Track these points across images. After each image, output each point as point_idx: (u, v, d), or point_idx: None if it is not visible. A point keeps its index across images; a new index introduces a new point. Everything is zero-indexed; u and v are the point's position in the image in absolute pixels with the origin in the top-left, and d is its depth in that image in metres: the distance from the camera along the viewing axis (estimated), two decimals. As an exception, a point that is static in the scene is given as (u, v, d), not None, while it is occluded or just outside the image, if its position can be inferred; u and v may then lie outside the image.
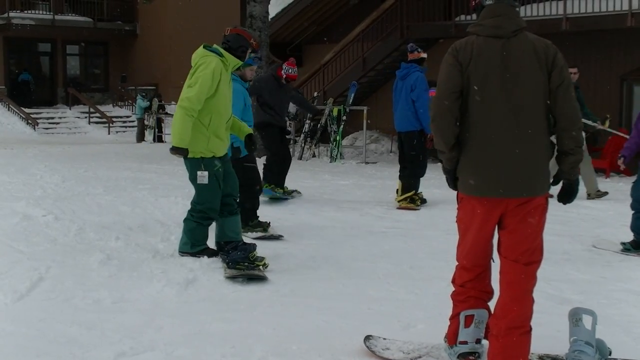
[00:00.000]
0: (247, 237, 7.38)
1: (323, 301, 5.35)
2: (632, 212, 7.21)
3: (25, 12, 31.41)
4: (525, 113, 3.80)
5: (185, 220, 6.59)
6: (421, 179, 10.16)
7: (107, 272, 6.02)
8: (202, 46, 6.50)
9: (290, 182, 11.27)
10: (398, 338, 4.53)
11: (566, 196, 3.98)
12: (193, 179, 6.44)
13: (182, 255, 6.51)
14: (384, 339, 4.46)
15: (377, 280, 6.00)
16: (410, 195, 9.89)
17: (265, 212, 9.19)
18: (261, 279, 5.96)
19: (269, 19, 18.58)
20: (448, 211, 9.39)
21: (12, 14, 30.56)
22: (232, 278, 5.91)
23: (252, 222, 7.89)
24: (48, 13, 31.90)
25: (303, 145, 18.34)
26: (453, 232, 8.03)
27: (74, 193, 10.24)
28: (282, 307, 5.20)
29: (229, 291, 5.61)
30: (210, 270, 6.11)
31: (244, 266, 6.05)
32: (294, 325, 4.78)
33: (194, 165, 6.37)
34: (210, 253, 6.52)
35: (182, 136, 6.18)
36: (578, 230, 8.13)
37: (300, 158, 18.00)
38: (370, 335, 4.46)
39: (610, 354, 4.17)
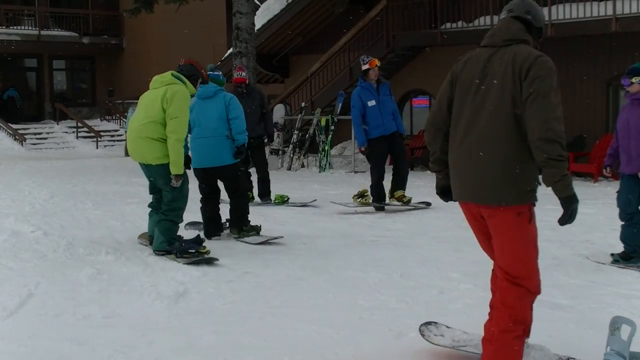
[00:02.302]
0: (245, 243, 7.95)
1: (314, 311, 5.34)
2: (621, 222, 7.07)
3: (11, 28, 31.26)
4: (488, 121, 3.76)
5: (159, 222, 7.13)
6: (409, 185, 10.62)
7: (97, 287, 6.00)
8: (170, 73, 7.23)
9: (279, 193, 11.30)
10: (391, 346, 4.53)
11: (561, 216, 3.67)
12: (167, 182, 7.06)
13: (158, 254, 7.08)
14: (447, 327, 4.54)
15: (368, 289, 5.99)
16: (363, 192, 10.41)
17: (255, 223, 9.20)
18: (212, 260, 6.83)
19: (255, 31, 18.62)
20: (437, 219, 9.44)
21: (-3, 30, 30.50)
22: (187, 264, 6.73)
23: (246, 227, 8.22)
24: (33, 28, 31.77)
25: (292, 155, 18.35)
26: (442, 240, 8.06)
27: (63, 208, 10.21)
28: (273, 318, 5.19)
29: (219, 304, 5.59)
30: (200, 284, 6.11)
31: (192, 254, 6.88)
32: (286, 337, 4.77)
33: (165, 169, 7.01)
34: (182, 244, 7.02)
35: (181, 164, 7.04)
36: (567, 236, 8.15)
37: (289, 168, 18.02)
38: (433, 322, 4.53)
39: None
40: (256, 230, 8.23)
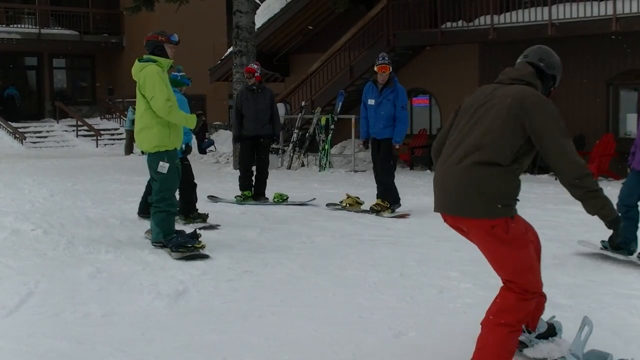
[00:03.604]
0: (189, 228, 8.25)
1: (314, 310, 5.35)
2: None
3: (11, 26, 31.25)
4: (473, 141, 3.87)
5: (153, 215, 7.30)
6: (409, 184, 10.57)
7: (97, 285, 6.00)
8: (137, 60, 7.51)
9: (279, 191, 11.29)
10: (390, 345, 4.53)
11: (612, 236, 3.94)
12: (157, 171, 7.29)
13: (156, 246, 7.26)
14: None
15: (368, 288, 5.99)
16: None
17: (255, 222, 9.20)
18: (204, 256, 6.96)
19: (256, 30, 18.61)
20: (437, 218, 9.40)
21: (-3, 29, 30.48)
22: (179, 259, 6.89)
23: (192, 214, 8.97)
24: (34, 27, 31.77)
25: (292, 154, 18.34)
26: (442, 239, 8.06)
27: (63, 207, 10.21)
28: (273, 317, 5.19)
29: (219, 302, 5.59)
30: (200, 282, 6.11)
31: (187, 248, 7.00)
32: (285, 335, 4.77)
33: (159, 158, 7.26)
34: (179, 238, 7.14)
35: (187, 119, 7.49)
36: (568, 235, 8.15)
37: (289, 167, 18.01)
38: None
39: None
40: (203, 217, 8.95)
